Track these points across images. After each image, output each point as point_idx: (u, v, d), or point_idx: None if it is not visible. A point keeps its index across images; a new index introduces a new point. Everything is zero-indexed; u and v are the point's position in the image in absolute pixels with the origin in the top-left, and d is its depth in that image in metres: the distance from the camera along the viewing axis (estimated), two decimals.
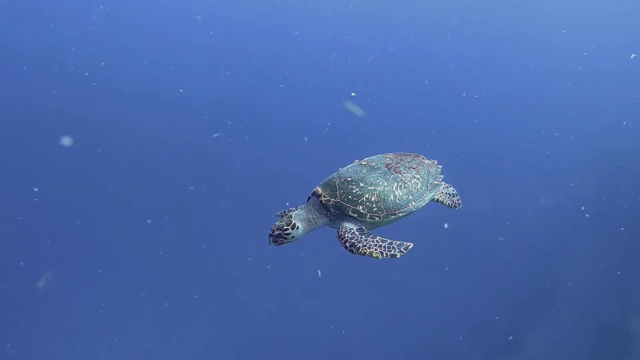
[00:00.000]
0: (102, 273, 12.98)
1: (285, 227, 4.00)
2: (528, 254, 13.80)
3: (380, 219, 4.04)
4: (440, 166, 4.72)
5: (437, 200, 4.59)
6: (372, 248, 3.74)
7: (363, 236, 3.86)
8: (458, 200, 4.71)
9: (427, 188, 4.35)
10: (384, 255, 3.70)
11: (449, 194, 4.67)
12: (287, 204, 4.81)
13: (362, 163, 4.32)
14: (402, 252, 3.71)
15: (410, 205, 4.16)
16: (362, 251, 3.73)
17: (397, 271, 13.95)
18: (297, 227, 4.03)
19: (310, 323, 12.60)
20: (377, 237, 3.85)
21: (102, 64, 18.18)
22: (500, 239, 13.99)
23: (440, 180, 4.55)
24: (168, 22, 21.50)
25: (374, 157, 4.52)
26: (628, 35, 22.82)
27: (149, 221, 13.73)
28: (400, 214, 4.12)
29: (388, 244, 3.78)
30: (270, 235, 4.03)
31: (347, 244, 3.82)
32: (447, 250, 14.44)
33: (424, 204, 4.35)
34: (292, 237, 4.05)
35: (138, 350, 12.00)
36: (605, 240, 13.05)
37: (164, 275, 13.04)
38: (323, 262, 11.27)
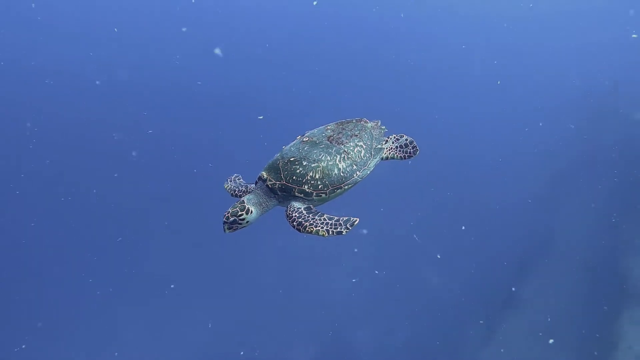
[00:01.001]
0: (129, 271, 13.32)
1: (240, 213, 3.98)
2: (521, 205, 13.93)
3: (326, 195, 4.06)
4: (384, 127, 4.63)
5: (388, 158, 4.52)
6: (319, 226, 3.77)
7: (310, 215, 3.89)
8: (413, 148, 4.52)
9: (371, 154, 4.33)
10: (330, 232, 3.73)
11: (399, 146, 4.54)
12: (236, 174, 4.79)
13: (304, 140, 4.26)
14: (347, 228, 3.74)
15: (355, 175, 4.17)
16: (309, 230, 3.77)
17: (400, 232, 14.20)
18: (251, 212, 4.01)
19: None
20: (325, 215, 3.88)
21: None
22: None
23: (384, 143, 4.49)
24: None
25: (315, 130, 4.45)
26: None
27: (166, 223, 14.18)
28: (346, 187, 4.14)
29: (335, 221, 3.80)
30: (224, 222, 3.98)
31: (294, 222, 3.84)
32: (445, 209, 14.61)
33: (369, 172, 4.32)
34: (247, 221, 4.04)
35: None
36: (595, 183, 13.10)
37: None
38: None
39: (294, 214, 3.92)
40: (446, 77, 22.00)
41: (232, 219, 3.97)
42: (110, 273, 13.00)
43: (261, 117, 17.75)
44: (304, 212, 3.93)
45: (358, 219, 3.79)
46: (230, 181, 4.72)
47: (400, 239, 14.21)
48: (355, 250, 13.59)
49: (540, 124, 17.77)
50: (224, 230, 4.03)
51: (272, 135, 14.92)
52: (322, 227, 3.76)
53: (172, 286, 12.97)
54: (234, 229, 4.04)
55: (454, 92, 21.12)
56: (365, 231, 13.22)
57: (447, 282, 13.00)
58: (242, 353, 12.19)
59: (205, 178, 14.26)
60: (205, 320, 12.47)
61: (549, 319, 11.34)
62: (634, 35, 21.96)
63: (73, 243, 13.50)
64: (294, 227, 3.86)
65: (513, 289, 12.42)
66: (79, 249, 13.35)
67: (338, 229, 3.74)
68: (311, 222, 3.82)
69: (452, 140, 17.47)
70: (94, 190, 14.64)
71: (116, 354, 11.52)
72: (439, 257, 13.47)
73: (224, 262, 13.17)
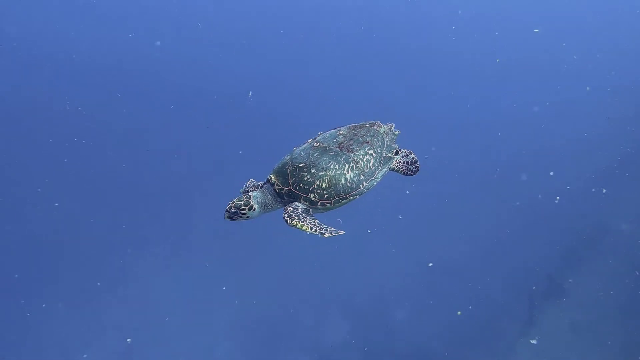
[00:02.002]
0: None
1: (243, 208, 4.12)
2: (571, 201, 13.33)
3: (331, 204, 4.14)
4: (397, 131, 4.65)
5: (393, 169, 4.59)
6: (306, 223, 3.85)
7: (304, 214, 3.99)
8: (416, 167, 4.61)
9: (380, 163, 4.35)
10: (313, 230, 3.80)
11: (406, 162, 4.59)
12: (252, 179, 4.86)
13: (315, 145, 4.26)
14: (330, 233, 3.78)
15: (361, 186, 4.20)
16: (294, 223, 3.85)
17: (443, 220, 14.06)
18: (254, 209, 4.14)
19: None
20: (316, 220, 3.97)
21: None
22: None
23: (394, 152, 4.51)
24: None
25: (327, 135, 4.43)
26: None
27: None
28: (351, 198, 4.19)
29: (323, 226, 3.88)
30: (226, 210, 4.14)
31: (285, 214, 3.95)
32: (490, 200, 14.31)
33: (375, 183, 4.35)
34: (248, 216, 4.17)
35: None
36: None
37: None
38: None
39: (289, 208, 4.03)
40: (483, 65, 21.03)
41: (233, 210, 4.13)
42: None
43: (250, 94, 17.90)
44: (300, 211, 4.01)
45: (344, 232, 3.82)
46: (245, 187, 4.78)
47: (446, 225, 14.05)
48: (394, 249, 13.55)
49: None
50: (224, 217, 4.20)
51: (287, 131, 15.30)
52: (308, 224, 3.84)
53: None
54: (234, 219, 4.20)
55: (499, 81, 20.35)
56: (400, 216, 13.22)
57: (489, 270, 12.80)
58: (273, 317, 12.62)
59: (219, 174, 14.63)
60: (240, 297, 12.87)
61: (591, 316, 10.99)
62: (536, 30, 21.38)
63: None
64: (284, 218, 3.95)
65: (557, 281, 12.16)
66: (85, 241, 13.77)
67: (322, 231, 3.80)
68: (301, 218, 3.91)
69: (509, 128, 16.95)
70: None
71: (129, 340, 12.07)
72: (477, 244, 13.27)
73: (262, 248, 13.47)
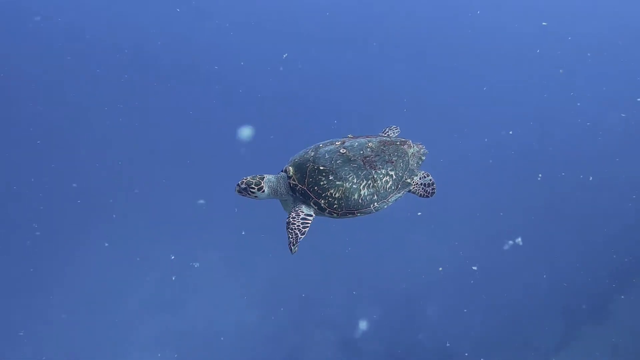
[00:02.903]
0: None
1: (253, 186, 4.29)
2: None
3: (338, 215, 4.21)
4: (425, 153, 4.68)
5: (410, 191, 4.59)
6: (291, 235, 4.06)
7: (302, 225, 4.14)
8: (432, 189, 4.57)
9: (397, 187, 4.35)
10: (290, 240, 4.04)
11: (424, 184, 4.56)
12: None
13: (341, 151, 4.27)
14: (291, 249, 4.02)
15: (371, 206, 4.24)
16: (289, 232, 4.09)
17: (488, 222, 13.55)
18: (263, 191, 4.31)
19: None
20: (302, 232, 4.11)
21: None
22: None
23: (413, 177, 4.49)
24: None
25: (356, 143, 4.39)
26: None
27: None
28: (358, 214, 4.25)
29: (297, 238, 4.07)
30: (237, 184, 4.34)
31: (289, 219, 4.15)
32: (537, 206, 13.63)
33: (385, 206, 4.38)
34: (256, 196, 4.35)
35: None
36: None
37: None
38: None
39: (292, 214, 4.22)
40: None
41: (244, 186, 4.32)
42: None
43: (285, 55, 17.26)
44: (301, 222, 4.16)
45: (296, 251, 4.04)
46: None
47: (491, 229, 13.40)
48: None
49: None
50: (235, 190, 4.41)
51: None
52: (292, 236, 4.06)
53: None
54: (242, 195, 4.40)
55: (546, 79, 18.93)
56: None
57: (529, 281, 12.31)
58: (303, 295, 12.83)
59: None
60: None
61: (637, 343, 10.32)
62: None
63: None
64: (287, 221, 4.19)
65: (602, 300, 11.60)
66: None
67: (291, 247, 4.03)
68: (295, 230, 4.08)
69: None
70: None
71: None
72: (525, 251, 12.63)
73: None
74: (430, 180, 4.56)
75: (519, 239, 12.97)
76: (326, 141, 4.48)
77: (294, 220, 4.12)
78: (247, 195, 4.37)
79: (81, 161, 14.95)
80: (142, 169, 14.80)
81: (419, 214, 12.85)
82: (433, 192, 4.56)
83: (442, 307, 12.47)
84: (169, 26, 19.31)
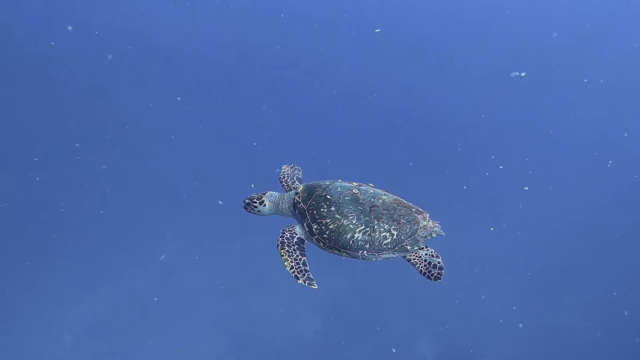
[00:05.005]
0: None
1: (255, 201, 4.48)
2: None
3: (324, 246, 4.15)
4: (440, 232, 4.35)
5: (410, 261, 4.26)
6: (291, 259, 4.04)
7: (296, 246, 4.16)
8: (438, 273, 4.15)
9: (393, 248, 4.16)
10: (292, 270, 4.01)
11: (429, 262, 4.20)
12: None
13: (354, 191, 4.25)
14: (304, 282, 3.95)
15: (359, 252, 4.11)
16: (282, 253, 4.07)
17: (514, 253, 13.83)
18: (265, 205, 4.47)
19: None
20: (303, 259, 4.12)
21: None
22: None
23: (415, 247, 4.23)
24: None
25: (372, 190, 4.35)
26: None
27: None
28: (344, 254, 4.15)
29: (304, 270, 4.03)
30: (243, 201, 4.55)
31: (280, 239, 4.16)
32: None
33: (374, 259, 4.20)
34: (258, 211, 4.51)
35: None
36: None
37: None
38: None
39: (287, 233, 4.22)
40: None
41: (247, 201, 4.55)
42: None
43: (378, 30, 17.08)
44: (295, 241, 4.19)
45: (316, 287, 3.95)
46: (289, 167, 4.97)
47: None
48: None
49: None
50: (241, 206, 4.64)
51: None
52: (290, 263, 4.04)
53: None
54: (248, 211, 4.60)
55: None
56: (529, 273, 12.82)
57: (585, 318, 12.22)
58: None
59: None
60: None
61: None
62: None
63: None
64: (277, 241, 4.19)
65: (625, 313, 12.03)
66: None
67: (296, 275, 3.99)
68: (290, 252, 4.10)
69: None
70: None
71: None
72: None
73: None
74: (439, 262, 4.19)
75: None
76: (350, 181, 4.45)
77: (287, 247, 4.08)
78: (251, 210, 4.50)
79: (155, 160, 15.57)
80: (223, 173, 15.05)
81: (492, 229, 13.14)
82: (437, 277, 4.13)
83: (503, 316, 12.35)
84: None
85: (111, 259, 12.99)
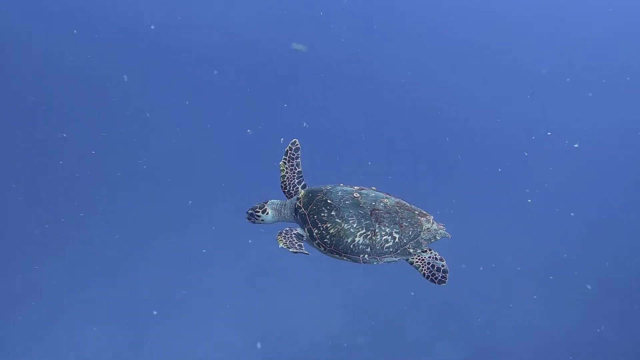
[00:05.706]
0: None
1: (257, 210, 4.49)
2: None
3: (325, 250, 4.18)
4: (440, 235, 4.29)
5: (412, 264, 4.26)
6: (285, 239, 4.08)
7: (294, 235, 4.20)
8: (442, 276, 4.16)
9: (395, 251, 4.16)
10: (285, 245, 4.01)
11: (432, 265, 4.21)
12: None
13: (355, 195, 4.25)
14: (295, 251, 3.95)
15: (360, 256, 4.13)
16: (278, 238, 4.10)
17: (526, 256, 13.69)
18: (267, 213, 4.48)
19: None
20: (300, 244, 4.11)
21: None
22: None
23: (417, 250, 4.23)
24: None
25: (373, 194, 4.32)
26: None
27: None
28: (345, 258, 4.16)
29: (297, 245, 4.06)
30: (246, 212, 4.56)
31: (281, 234, 4.17)
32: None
33: (375, 263, 4.19)
34: (262, 219, 4.51)
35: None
36: None
37: None
38: None
39: (286, 229, 4.29)
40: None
41: (250, 211, 4.54)
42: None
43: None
44: (294, 234, 4.24)
45: (308, 253, 4.02)
46: (290, 151, 4.61)
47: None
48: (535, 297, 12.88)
49: None
50: (245, 217, 4.62)
51: None
52: (287, 243, 4.05)
53: None
54: (252, 221, 4.58)
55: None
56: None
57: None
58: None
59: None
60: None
61: None
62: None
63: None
64: (279, 233, 4.21)
65: None
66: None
67: (289, 247, 4.00)
68: (285, 237, 4.13)
69: None
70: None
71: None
72: None
73: None
74: (443, 266, 4.18)
75: None
76: (352, 185, 4.43)
77: (287, 234, 4.15)
78: (255, 220, 4.51)
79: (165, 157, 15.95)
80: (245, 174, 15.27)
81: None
82: (442, 281, 4.15)
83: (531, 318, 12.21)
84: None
85: (140, 251, 13.37)
